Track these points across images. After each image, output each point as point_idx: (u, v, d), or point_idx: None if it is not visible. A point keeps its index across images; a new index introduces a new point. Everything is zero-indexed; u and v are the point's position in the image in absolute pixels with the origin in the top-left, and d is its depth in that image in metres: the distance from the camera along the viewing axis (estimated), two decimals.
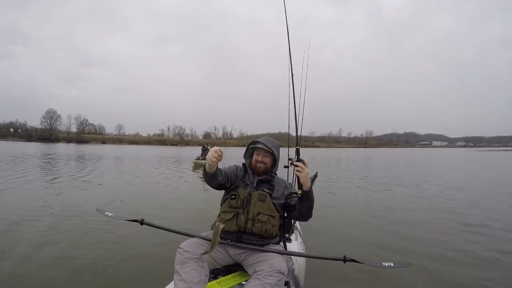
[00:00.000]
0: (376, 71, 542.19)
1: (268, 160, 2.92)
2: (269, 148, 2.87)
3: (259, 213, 2.67)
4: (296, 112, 4.29)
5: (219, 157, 2.47)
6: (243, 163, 3.06)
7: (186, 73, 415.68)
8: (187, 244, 2.51)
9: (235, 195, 2.76)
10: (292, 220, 3.68)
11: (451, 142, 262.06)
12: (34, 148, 51.06)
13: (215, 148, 2.45)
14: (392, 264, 2.50)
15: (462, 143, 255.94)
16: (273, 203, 2.76)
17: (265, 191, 2.79)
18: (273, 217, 2.71)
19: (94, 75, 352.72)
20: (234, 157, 30.70)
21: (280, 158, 3.07)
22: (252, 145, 2.99)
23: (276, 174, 3.04)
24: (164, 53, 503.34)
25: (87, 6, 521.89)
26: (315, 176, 4.09)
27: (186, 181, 14.69)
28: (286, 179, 4.99)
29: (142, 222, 2.98)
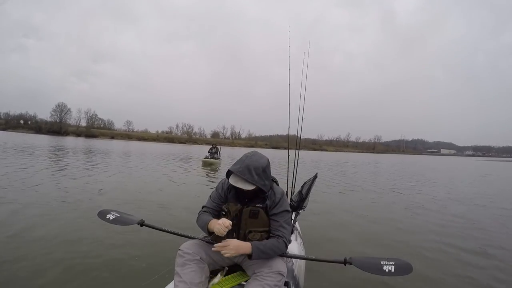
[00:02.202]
0: (386, 76, 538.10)
1: (252, 188, 2.46)
2: (250, 182, 2.42)
3: (250, 232, 2.53)
4: (299, 113, 4.34)
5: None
6: None
7: (196, 72, 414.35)
8: (187, 246, 2.51)
9: (225, 211, 2.60)
10: (292, 221, 3.71)
11: (460, 151, 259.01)
12: (44, 140, 51.40)
13: (227, 223, 2.37)
14: (392, 270, 2.45)
15: (470, 152, 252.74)
16: (269, 216, 2.59)
17: (257, 206, 2.56)
18: (267, 231, 2.57)
19: (104, 70, 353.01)
20: None
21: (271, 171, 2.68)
22: (228, 175, 2.58)
23: (276, 182, 2.83)
24: (175, 51, 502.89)
25: (99, 1, 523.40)
26: (315, 177, 4.13)
27: (189, 180, 14.75)
28: (287, 182, 5.09)
29: (142, 224, 3.03)
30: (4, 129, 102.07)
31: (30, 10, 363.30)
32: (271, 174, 2.67)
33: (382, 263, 2.51)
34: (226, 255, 2.36)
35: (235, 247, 2.35)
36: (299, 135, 5.09)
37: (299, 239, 3.86)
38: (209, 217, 2.59)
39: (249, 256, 2.41)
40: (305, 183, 4.06)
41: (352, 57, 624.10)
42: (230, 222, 2.39)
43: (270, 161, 2.67)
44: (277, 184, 2.81)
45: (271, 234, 2.56)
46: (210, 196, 2.78)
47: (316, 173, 4.21)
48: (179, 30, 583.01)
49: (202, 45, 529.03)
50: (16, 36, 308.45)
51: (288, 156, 5.11)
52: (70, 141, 56.67)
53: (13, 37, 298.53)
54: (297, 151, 5.02)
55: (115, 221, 3.16)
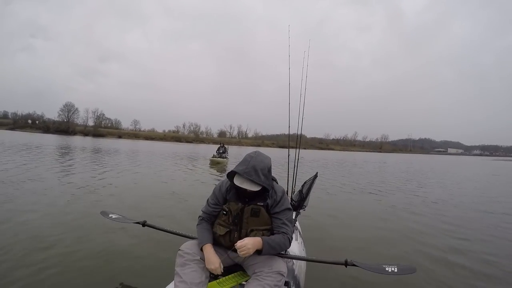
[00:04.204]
0: (393, 75, 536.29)
1: (258, 188, 2.49)
2: (257, 182, 2.45)
3: (252, 230, 2.55)
4: (300, 112, 4.34)
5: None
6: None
7: (203, 71, 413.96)
8: (188, 246, 2.54)
9: (226, 210, 2.61)
10: (293, 220, 3.77)
11: (467, 150, 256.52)
12: (52, 140, 51.63)
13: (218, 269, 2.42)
14: (395, 270, 2.46)
15: (478, 152, 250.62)
16: (270, 214, 2.62)
17: (258, 204, 2.58)
18: (269, 230, 2.60)
19: (111, 70, 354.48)
20: None
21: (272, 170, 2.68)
22: (231, 176, 2.58)
23: (275, 181, 2.85)
24: (182, 50, 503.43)
25: (106, 1, 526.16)
26: (315, 176, 4.13)
27: (197, 179, 14.71)
28: (287, 181, 5.09)
29: (144, 224, 3.05)
30: (12, 129, 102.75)
31: (37, 10, 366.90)
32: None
33: (384, 265, 2.52)
34: (246, 255, 2.38)
35: (252, 245, 2.37)
36: (299, 135, 5.10)
37: (299, 239, 3.86)
38: (205, 234, 2.61)
39: (259, 252, 2.42)
40: (305, 183, 4.07)
41: (358, 56, 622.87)
42: (221, 270, 2.44)
43: (273, 161, 2.69)
44: (277, 183, 2.84)
45: (274, 232, 2.58)
46: (207, 200, 2.78)
47: (317, 173, 4.20)
48: (186, 29, 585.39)
49: (208, 44, 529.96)
50: (24, 36, 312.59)
51: (289, 155, 5.10)
52: (78, 141, 56.82)
53: (20, 37, 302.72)
54: (297, 150, 5.03)
55: (117, 220, 3.20)
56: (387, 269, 2.48)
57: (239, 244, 2.36)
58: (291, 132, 5.09)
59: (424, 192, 13.91)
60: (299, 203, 3.99)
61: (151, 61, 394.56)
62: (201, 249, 2.50)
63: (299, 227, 4.26)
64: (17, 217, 6.22)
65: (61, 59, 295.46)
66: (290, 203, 3.89)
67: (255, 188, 2.45)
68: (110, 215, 3.25)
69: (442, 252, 5.67)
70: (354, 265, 2.55)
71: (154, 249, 4.95)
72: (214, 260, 2.43)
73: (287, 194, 4.04)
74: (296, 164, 4.94)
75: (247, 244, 2.35)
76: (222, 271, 2.44)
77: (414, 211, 9.38)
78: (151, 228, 3.05)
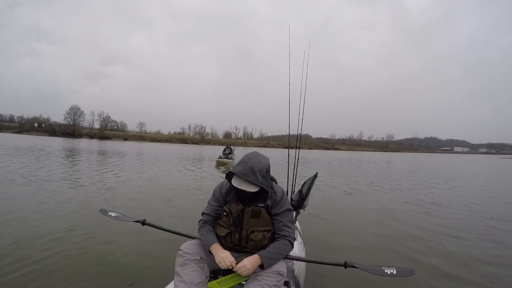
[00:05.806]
0: (397, 73, 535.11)
1: (256, 189, 2.47)
2: (254, 183, 2.43)
3: (252, 232, 2.54)
4: (300, 112, 4.35)
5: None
6: None
7: (207, 73, 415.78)
8: (187, 245, 2.53)
9: (227, 212, 2.60)
10: (293, 221, 3.74)
11: (473, 148, 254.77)
12: (59, 143, 51.85)
13: (231, 260, 2.38)
14: (394, 272, 2.47)
15: (484, 150, 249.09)
16: (271, 215, 2.61)
17: (259, 206, 2.57)
18: (270, 230, 2.59)
19: (116, 73, 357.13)
20: None
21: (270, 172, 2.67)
22: (229, 177, 2.59)
23: (275, 181, 2.83)
24: (186, 52, 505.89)
25: (110, 5, 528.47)
26: (315, 176, 4.13)
27: (202, 179, 14.73)
28: (287, 181, 5.10)
29: (143, 223, 3.05)
30: (18, 132, 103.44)
31: (41, 15, 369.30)
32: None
33: (383, 267, 2.53)
34: (247, 274, 2.38)
35: (251, 264, 2.37)
36: (299, 135, 5.12)
37: (299, 239, 3.86)
38: (211, 236, 2.60)
39: (261, 266, 2.42)
40: (305, 183, 4.08)
41: (363, 55, 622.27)
42: (233, 260, 2.41)
43: (275, 160, 2.68)
44: (276, 183, 2.82)
45: (276, 235, 2.59)
46: (208, 202, 2.77)
47: (316, 172, 4.21)
48: (190, 31, 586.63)
49: (212, 46, 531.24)
50: (29, 41, 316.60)
51: (288, 155, 5.12)
52: (84, 143, 57.06)
53: (25, 42, 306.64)
54: (297, 150, 5.04)
55: (117, 218, 3.22)
56: (386, 271, 2.50)
57: (239, 265, 2.37)
58: (294, 132, 5.11)
59: (425, 193, 13.70)
60: (299, 203, 3.99)
61: (155, 63, 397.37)
62: (209, 251, 2.50)
63: (298, 227, 4.26)
64: (21, 216, 6.43)
65: (66, 62, 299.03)
66: (290, 203, 3.92)
67: (253, 189, 2.44)
68: (109, 213, 3.26)
69: (441, 254, 5.63)
70: (353, 266, 2.56)
71: (153, 249, 4.97)
72: (225, 253, 2.44)
73: (287, 194, 4.05)
74: (296, 164, 4.95)
75: (246, 265, 2.36)
76: (235, 262, 2.41)
77: (414, 212, 9.28)
78: (151, 227, 3.06)
